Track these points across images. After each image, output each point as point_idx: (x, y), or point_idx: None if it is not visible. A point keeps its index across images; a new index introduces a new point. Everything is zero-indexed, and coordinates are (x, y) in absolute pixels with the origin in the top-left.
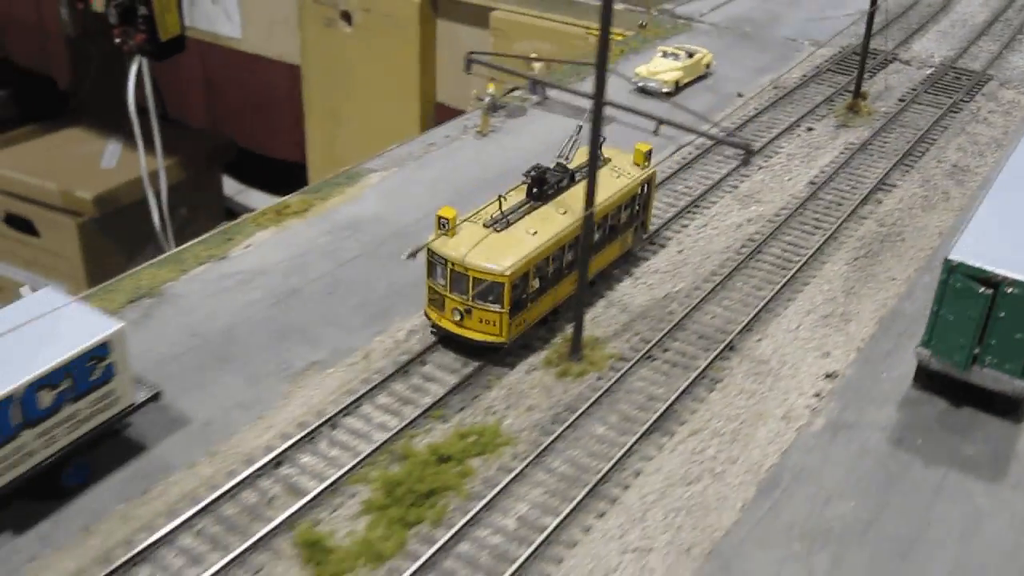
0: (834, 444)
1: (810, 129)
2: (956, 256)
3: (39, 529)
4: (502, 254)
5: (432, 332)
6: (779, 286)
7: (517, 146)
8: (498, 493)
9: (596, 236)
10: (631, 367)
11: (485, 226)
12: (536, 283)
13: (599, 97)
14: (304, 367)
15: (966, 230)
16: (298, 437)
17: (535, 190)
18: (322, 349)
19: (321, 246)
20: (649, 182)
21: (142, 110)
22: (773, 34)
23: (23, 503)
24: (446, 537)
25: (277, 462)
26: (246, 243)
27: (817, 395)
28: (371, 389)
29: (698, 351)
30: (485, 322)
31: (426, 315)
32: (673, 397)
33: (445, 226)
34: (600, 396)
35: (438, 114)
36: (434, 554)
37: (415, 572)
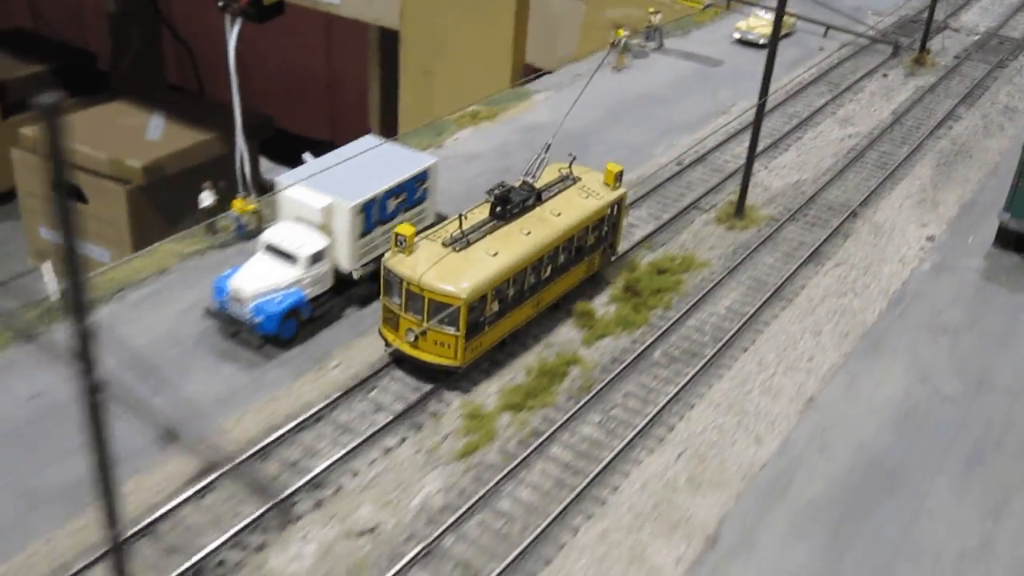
0: (939, 278)
1: (885, 75)
2: None
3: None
4: (460, 275)
5: (387, 352)
6: (882, 178)
7: (646, 79)
8: (706, 293)
9: (561, 258)
10: (782, 224)
11: (444, 245)
12: (495, 306)
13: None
14: None
15: None
16: None
17: (498, 209)
18: None
19: (515, 140)
20: (619, 203)
21: (175, 87)
22: (841, 4)
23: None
24: (677, 316)
25: None
26: (454, 136)
27: (921, 248)
28: None
29: (830, 216)
30: (440, 344)
31: (380, 334)
32: (819, 242)
33: (402, 243)
34: (764, 241)
35: (526, 74)
36: (670, 326)
37: (658, 336)
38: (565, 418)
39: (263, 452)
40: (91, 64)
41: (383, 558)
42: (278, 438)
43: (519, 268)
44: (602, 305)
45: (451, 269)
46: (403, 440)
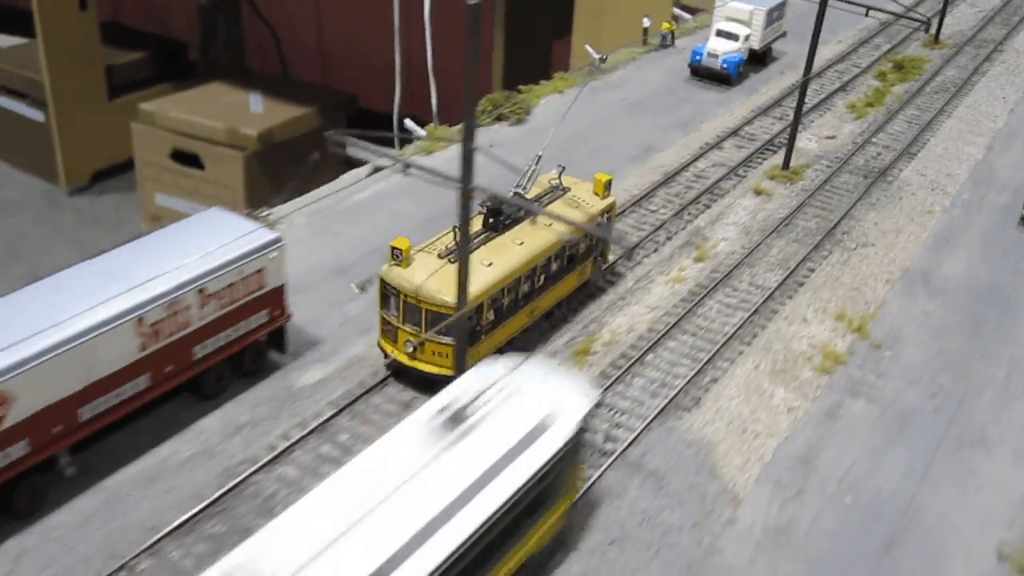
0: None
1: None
2: None
3: None
4: (456, 285)
5: (386, 365)
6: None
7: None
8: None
9: (553, 268)
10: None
11: (439, 256)
12: (491, 315)
13: None
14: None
15: None
16: None
17: (491, 220)
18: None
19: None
20: (608, 212)
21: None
22: None
23: None
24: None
25: None
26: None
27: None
28: None
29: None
30: (438, 354)
31: (379, 346)
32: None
33: (398, 256)
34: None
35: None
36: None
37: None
38: None
39: None
40: (182, 53)
41: None
42: None
43: (513, 277)
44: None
45: (447, 280)
46: None
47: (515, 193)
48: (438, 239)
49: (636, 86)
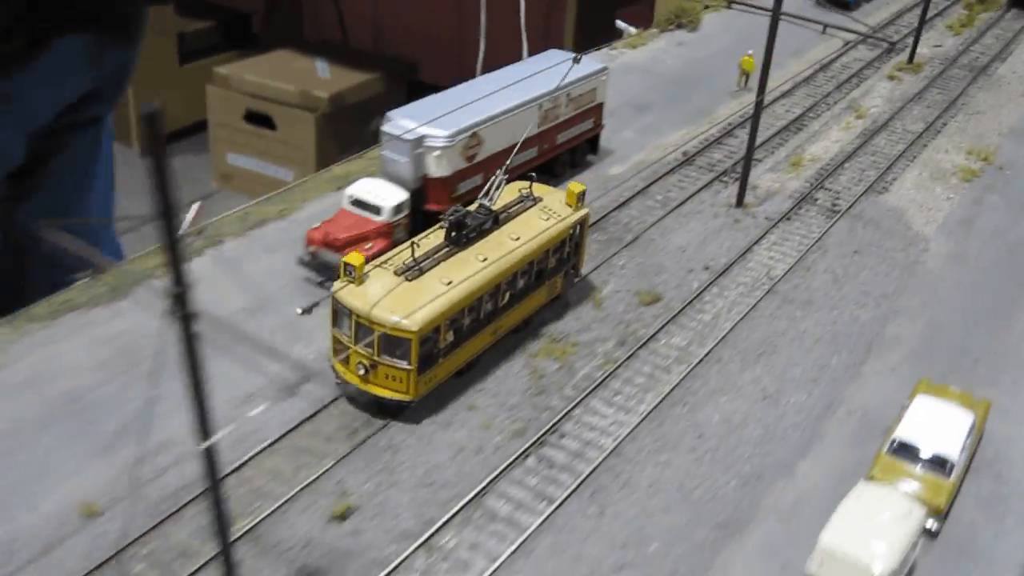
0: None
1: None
2: None
3: None
4: (412, 306)
5: (337, 384)
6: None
7: None
8: None
9: (519, 284)
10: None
11: (396, 274)
12: (450, 336)
13: None
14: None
15: None
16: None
17: (453, 234)
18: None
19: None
20: (582, 224)
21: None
22: None
23: None
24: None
25: None
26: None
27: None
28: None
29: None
30: (391, 378)
31: (331, 367)
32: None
33: (351, 273)
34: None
35: None
36: None
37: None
38: None
39: None
40: (247, 23)
41: None
42: None
43: (475, 297)
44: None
45: (403, 301)
46: None
47: (481, 205)
48: (395, 255)
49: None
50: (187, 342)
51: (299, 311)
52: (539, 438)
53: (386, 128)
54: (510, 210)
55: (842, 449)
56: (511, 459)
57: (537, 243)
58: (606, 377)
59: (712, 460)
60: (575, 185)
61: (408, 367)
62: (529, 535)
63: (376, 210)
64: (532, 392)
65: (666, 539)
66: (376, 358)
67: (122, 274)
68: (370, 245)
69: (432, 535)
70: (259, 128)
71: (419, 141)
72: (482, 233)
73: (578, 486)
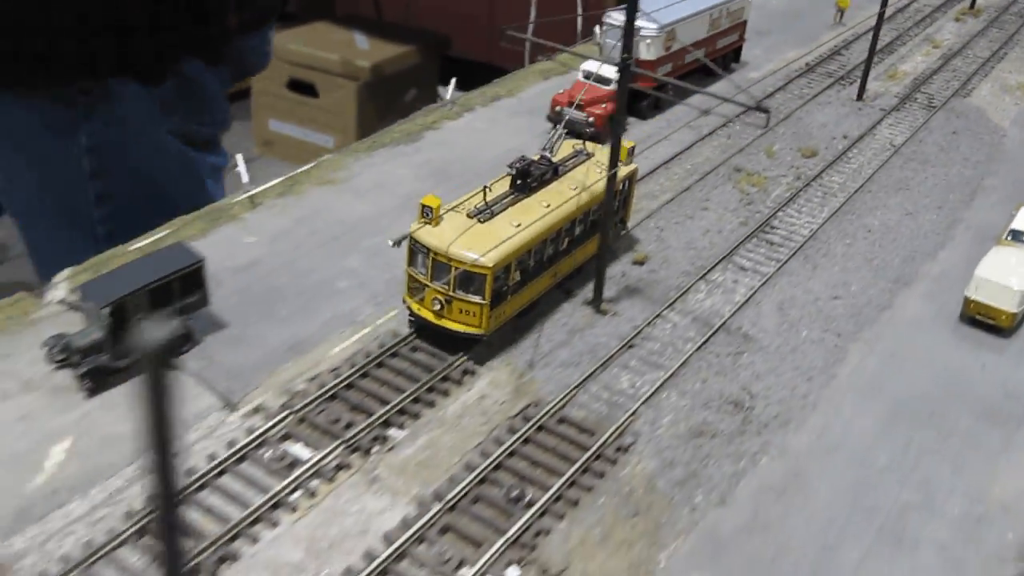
0: None
1: None
2: None
3: None
4: (485, 245)
5: (410, 321)
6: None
7: None
8: None
9: (577, 231)
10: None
11: (469, 216)
12: (517, 275)
13: None
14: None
15: None
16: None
17: (519, 182)
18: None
19: None
20: (631, 178)
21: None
22: None
23: None
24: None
25: None
26: None
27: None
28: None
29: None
30: (465, 312)
31: (404, 302)
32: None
33: (428, 214)
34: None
35: None
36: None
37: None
38: None
39: None
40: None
41: None
42: None
43: (540, 239)
44: None
45: (477, 240)
46: None
47: (542, 156)
48: (468, 199)
49: None
50: None
51: (391, 243)
52: (759, 228)
53: (608, 20)
54: (567, 163)
55: (967, 246)
56: (743, 238)
57: (592, 193)
58: (794, 195)
59: (881, 245)
60: (625, 142)
61: (482, 302)
62: (770, 277)
63: (607, 81)
64: (744, 202)
65: (861, 285)
66: (452, 294)
67: None
68: (605, 105)
69: (705, 274)
70: (302, 96)
71: (636, 30)
72: (543, 183)
73: (794, 254)
